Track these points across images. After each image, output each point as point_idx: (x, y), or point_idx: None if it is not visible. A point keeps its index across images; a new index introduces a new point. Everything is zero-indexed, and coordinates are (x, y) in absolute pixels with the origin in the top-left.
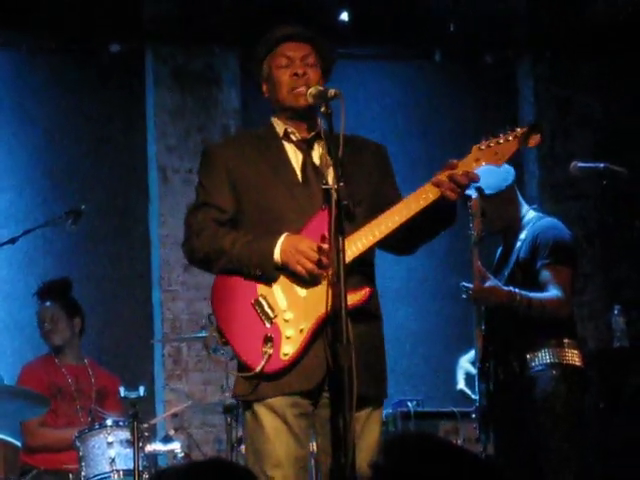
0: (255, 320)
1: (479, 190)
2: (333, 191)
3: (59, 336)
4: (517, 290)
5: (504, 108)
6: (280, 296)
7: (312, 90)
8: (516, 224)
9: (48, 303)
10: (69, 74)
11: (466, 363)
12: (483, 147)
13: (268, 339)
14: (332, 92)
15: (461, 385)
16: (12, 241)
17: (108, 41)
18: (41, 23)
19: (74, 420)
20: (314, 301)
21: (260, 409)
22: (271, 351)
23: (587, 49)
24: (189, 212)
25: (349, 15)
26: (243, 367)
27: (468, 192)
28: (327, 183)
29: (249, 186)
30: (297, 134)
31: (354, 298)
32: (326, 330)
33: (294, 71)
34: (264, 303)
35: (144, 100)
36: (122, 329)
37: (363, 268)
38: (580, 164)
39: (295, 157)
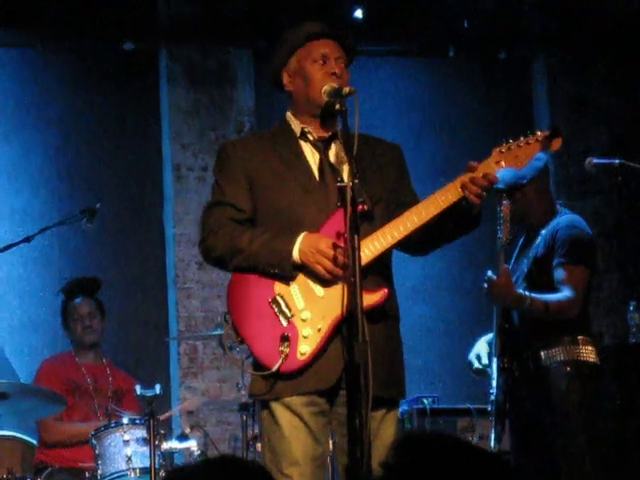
0: (272, 319)
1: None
2: (348, 188)
3: (95, 334)
4: (529, 294)
5: (518, 105)
6: (297, 295)
7: (327, 87)
8: (537, 218)
9: (83, 299)
10: (84, 73)
11: (483, 343)
12: (504, 150)
13: (285, 338)
14: (347, 89)
15: (476, 364)
16: (28, 240)
17: (123, 40)
18: (56, 22)
19: (91, 418)
20: (332, 300)
21: (277, 407)
22: (287, 350)
23: (601, 45)
24: (205, 210)
25: (363, 12)
26: (259, 365)
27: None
28: (342, 181)
29: (265, 185)
30: (314, 133)
31: (372, 298)
32: (342, 329)
33: (332, 70)
34: (281, 302)
35: (158, 99)
36: (137, 327)
37: (380, 269)
38: (595, 160)
39: (312, 157)
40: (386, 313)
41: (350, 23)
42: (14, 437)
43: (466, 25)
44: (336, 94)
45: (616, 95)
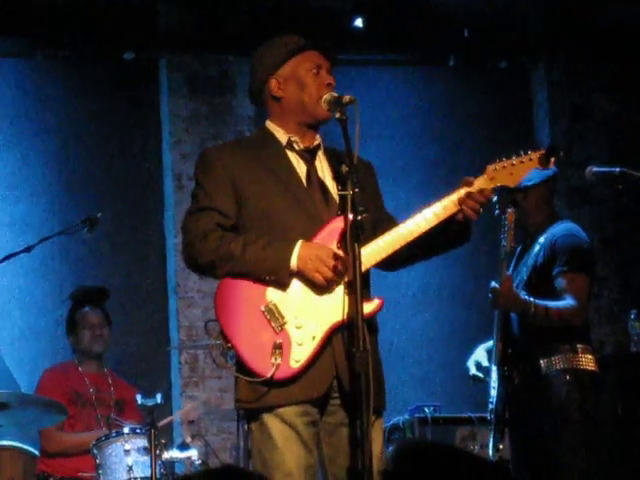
0: (264, 326)
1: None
2: (349, 197)
3: (104, 344)
4: (533, 299)
5: (518, 113)
6: (291, 302)
7: (327, 96)
8: (536, 225)
9: (92, 308)
10: (84, 83)
11: (482, 351)
12: (497, 168)
13: (277, 346)
14: (347, 98)
15: (473, 370)
16: (28, 250)
17: (123, 49)
18: (56, 32)
19: (93, 427)
20: (327, 308)
21: (269, 419)
22: (280, 358)
23: (601, 54)
24: (189, 216)
25: (363, 21)
26: (248, 373)
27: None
28: (343, 189)
29: (253, 192)
30: (300, 143)
31: (369, 307)
32: (337, 337)
33: (327, 81)
34: (274, 309)
35: (159, 108)
36: (138, 337)
37: (367, 279)
38: (595, 169)
39: (298, 166)
40: (371, 324)
41: (350, 32)
42: (15, 447)
43: (466, 34)
44: (337, 103)
45: (616, 103)
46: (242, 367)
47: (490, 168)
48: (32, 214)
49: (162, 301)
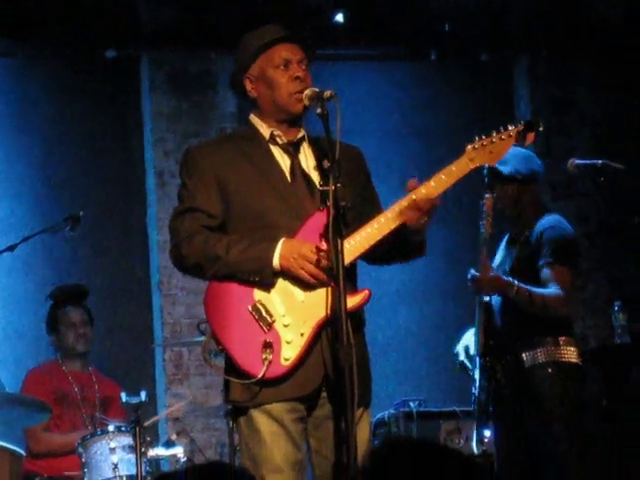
0: (252, 326)
1: (496, 172)
2: (331, 192)
3: (88, 342)
4: (517, 282)
5: (501, 107)
6: (278, 301)
7: (308, 92)
8: (524, 218)
9: (73, 307)
10: (65, 81)
11: (471, 336)
12: (477, 146)
13: (267, 345)
14: (328, 93)
15: (462, 357)
16: (11, 248)
17: (104, 47)
18: (37, 30)
19: (79, 427)
20: (313, 304)
21: (256, 414)
22: (271, 357)
23: (584, 47)
24: (174, 217)
25: (344, 16)
26: (239, 373)
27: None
28: (324, 185)
29: (237, 190)
30: (283, 137)
31: (355, 300)
32: (325, 333)
33: (295, 74)
34: (261, 308)
35: (140, 105)
36: (122, 334)
37: (353, 272)
38: (577, 161)
39: (282, 160)
40: (359, 317)
41: (331, 27)
42: (1, 447)
43: (447, 28)
44: (317, 98)
45: (599, 96)
46: (234, 368)
47: (469, 148)
48: (15, 213)
49: (146, 298)
